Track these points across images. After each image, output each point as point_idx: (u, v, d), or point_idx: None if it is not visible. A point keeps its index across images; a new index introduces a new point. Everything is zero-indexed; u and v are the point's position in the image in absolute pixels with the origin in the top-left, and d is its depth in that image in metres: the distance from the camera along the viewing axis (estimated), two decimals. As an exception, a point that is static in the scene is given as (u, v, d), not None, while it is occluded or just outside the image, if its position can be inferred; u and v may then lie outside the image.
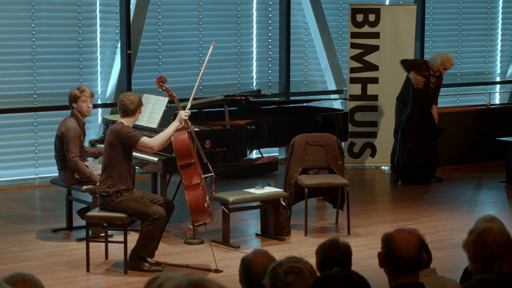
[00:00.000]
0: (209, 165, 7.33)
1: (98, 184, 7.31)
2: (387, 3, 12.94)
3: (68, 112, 8.27)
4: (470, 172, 11.66)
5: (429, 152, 10.79)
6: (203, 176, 7.25)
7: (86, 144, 8.50)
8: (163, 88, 7.44)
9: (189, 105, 7.43)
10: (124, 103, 7.22)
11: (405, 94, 10.75)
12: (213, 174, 7.37)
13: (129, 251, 7.19)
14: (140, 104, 7.28)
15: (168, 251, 7.75)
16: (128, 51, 10.87)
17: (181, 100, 9.36)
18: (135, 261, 7.21)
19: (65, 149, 8.02)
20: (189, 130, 7.27)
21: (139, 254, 7.21)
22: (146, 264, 7.20)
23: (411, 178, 10.78)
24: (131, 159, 7.37)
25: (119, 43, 11.00)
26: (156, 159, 8.04)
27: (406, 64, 10.78)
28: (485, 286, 3.31)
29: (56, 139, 8.18)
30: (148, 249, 7.20)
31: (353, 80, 11.67)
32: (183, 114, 7.23)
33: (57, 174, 8.47)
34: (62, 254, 7.70)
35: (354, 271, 3.24)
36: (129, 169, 7.29)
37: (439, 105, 11.05)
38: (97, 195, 7.34)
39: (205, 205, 7.11)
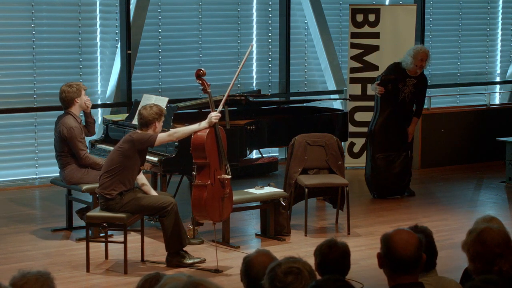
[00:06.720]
0: (227, 168, 7.31)
1: (99, 185, 7.28)
2: (387, 3, 12.94)
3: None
4: (470, 172, 11.66)
5: (403, 161, 9.89)
6: (219, 177, 7.22)
7: (86, 144, 8.48)
8: (199, 81, 7.28)
9: (220, 107, 7.38)
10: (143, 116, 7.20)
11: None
12: (230, 176, 7.32)
13: (129, 251, 7.19)
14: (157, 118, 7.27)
15: (168, 251, 7.74)
16: (128, 51, 10.86)
17: (179, 101, 9.35)
18: (173, 259, 7.23)
19: (73, 149, 8.01)
20: (215, 131, 7.22)
21: (172, 250, 7.23)
22: (185, 256, 7.24)
23: (384, 190, 9.94)
24: (143, 163, 7.39)
25: (119, 43, 10.99)
26: (156, 159, 8.04)
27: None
28: (488, 286, 3.31)
29: (56, 139, 8.17)
30: (178, 241, 7.21)
31: (353, 80, 11.66)
32: (213, 117, 7.17)
33: (57, 174, 8.46)
34: (62, 254, 7.70)
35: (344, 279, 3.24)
36: (137, 173, 7.31)
37: (439, 105, 10.80)
38: (98, 196, 7.33)
39: (220, 204, 7.17)
